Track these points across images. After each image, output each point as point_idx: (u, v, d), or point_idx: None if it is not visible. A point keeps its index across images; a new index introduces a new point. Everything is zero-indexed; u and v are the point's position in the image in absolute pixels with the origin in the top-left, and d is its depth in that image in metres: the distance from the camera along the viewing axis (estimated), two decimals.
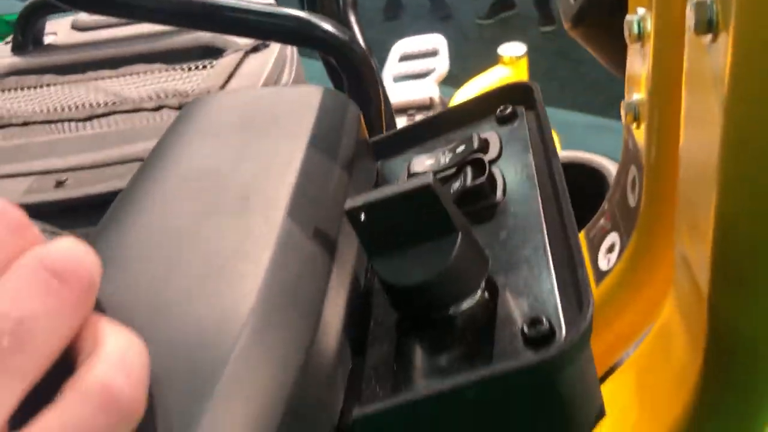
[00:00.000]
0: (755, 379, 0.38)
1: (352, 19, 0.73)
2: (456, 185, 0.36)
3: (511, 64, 1.42)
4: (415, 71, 1.50)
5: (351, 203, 0.29)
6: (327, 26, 0.61)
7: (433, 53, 1.54)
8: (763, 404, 0.38)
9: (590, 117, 2.96)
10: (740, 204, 0.34)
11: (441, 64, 1.51)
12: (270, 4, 0.68)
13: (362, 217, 0.29)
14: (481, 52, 3.55)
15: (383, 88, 0.71)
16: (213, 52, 1.08)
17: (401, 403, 0.25)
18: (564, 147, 1.23)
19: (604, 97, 2.98)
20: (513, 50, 1.42)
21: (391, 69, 1.52)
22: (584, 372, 0.26)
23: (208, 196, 0.31)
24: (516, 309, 0.28)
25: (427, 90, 1.40)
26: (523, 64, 1.43)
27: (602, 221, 0.61)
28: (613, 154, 0.93)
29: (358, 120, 0.38)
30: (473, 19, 4.16)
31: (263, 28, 0.62)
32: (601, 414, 0.27)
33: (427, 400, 0.25)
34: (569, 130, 2.76)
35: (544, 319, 0.26)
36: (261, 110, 0.37)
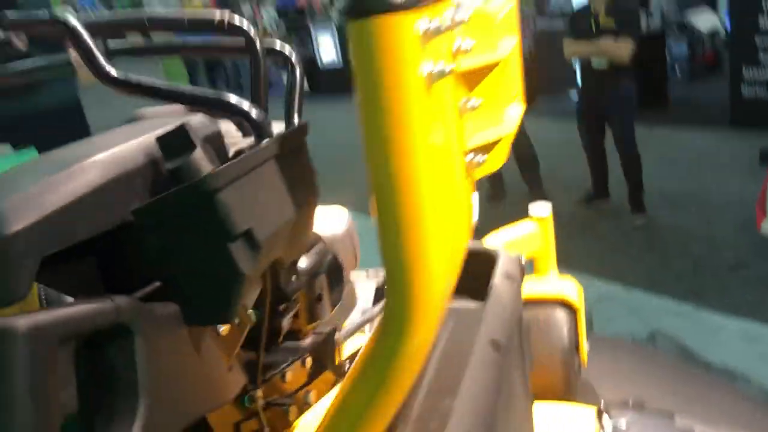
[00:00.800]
0: None
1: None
2: None
3: (538, 221, 1.66)
4: None
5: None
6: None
7: None
8: None
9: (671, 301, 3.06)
10: None
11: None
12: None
13: None
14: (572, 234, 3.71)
15: None
16: None
17: None
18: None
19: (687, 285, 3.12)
20: (540, 210, 1.66)
21: None
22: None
23: None
24: None
25: None
26: (548, 221, 1.65)
27: None
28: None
29: None
30: (570, 202, 4.40)
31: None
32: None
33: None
34: (655, 315, 2.89)
35: None
36: None
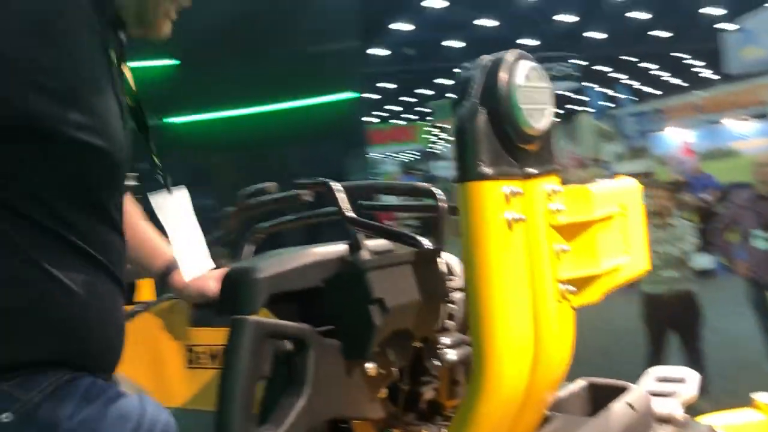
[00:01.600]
0: None
1: None
2: None
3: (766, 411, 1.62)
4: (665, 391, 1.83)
5: None
6: None
7: (681, 381, 1.86)
8: None
9: None
10: None
11: (688, 391, 1.81)
12: None
13: None
14: None
15: None
16: None
17: None
18: None
19: None
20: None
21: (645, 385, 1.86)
22: None
23: None
24: None
25: (672, 406, 1.69)
26: None
27: None
28: None
29: None
30: None
31: None
32: None
33: None
34: None
35: None
36: None
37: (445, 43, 20.32)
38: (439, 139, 25.28)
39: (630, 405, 1.13)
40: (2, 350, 0.84)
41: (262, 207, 1.37)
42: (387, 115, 29.46)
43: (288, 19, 6.05)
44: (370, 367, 0.93)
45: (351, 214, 1.12)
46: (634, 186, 1.14)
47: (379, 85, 24.34)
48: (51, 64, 0.81)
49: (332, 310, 0.90)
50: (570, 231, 0.97)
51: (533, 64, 0.91)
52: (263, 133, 5.95)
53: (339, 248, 0.94)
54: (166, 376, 1.26)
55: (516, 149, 0.90)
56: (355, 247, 0.92)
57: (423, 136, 24.90)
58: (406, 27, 18.19)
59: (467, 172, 0.85)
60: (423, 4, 16.85)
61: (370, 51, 19.95)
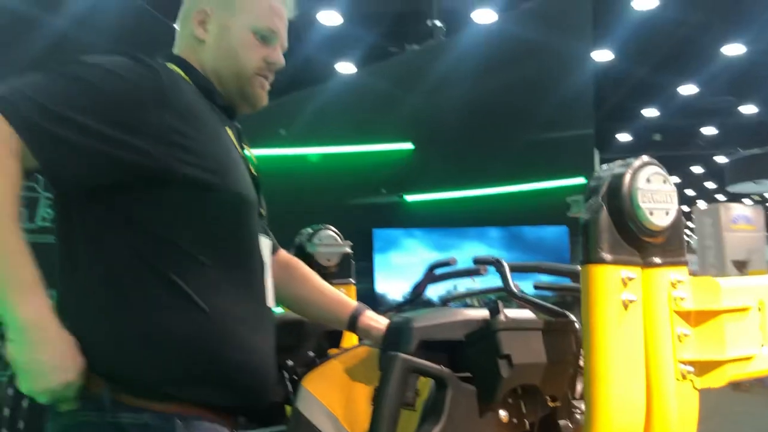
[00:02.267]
0: None
1: None
2: None
3: None
4: None
5: None
6: None
7: None
8: None
9: None
10: None
11: None
12: None
13: None
14: None
15: None
16: None
17: None
18: None
19: None
20: None
21: None
22: None
23: None
24: None
25: None
26: None
27: None
28: None
29: None
30: None
31: None
32: None
33: None
34: None
35: None
36: None
37: (701, 129, 19.32)
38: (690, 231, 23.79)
39: None
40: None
41: (448, 277, 1.62)
42: None
43: (523, 107, 6.34)
44: (502, 414, 1.10)
45: (514, 289, 1.33)
46: None
47: None
48: (190, 133, 1.07)
49: (470, 361, 1.10)
50: (695, 317, 1.08)
51: (657, 169, 1.06)
52: (489, 213, 6.22)
53: (482, 312, 1.15)
54: (355, 410, 1.53)
55: (638, 241, 1.05)
56: (494, 311, 1.12)
57: None
58: (654, 112, 17.63)
59: (589, 256, 1.03)
60: (677, 89, 16.30)
61: (618, 136, 19.61)
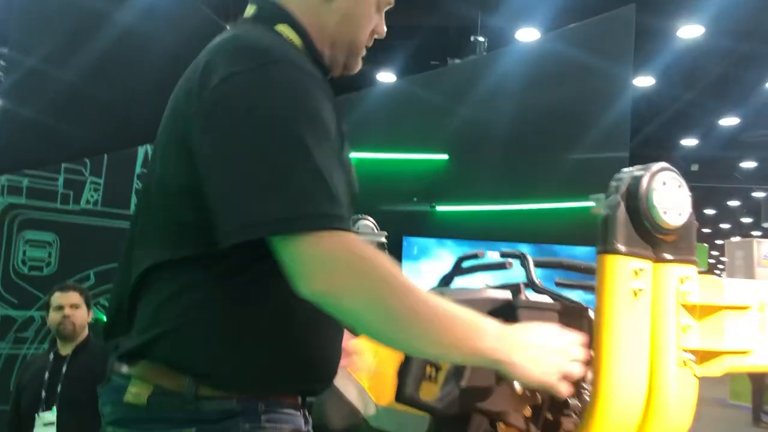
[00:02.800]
0: None
1: None
2: None
3: None
4: None
5: None
6: None
7: None
8: None
9: None
10: None
11: None
12: None
13: None
14: None
15: None
16: None
17: None
18: None
19: None
20: None
21: None
22: None
23: None
24: None
25: None
26: None
27: None
28: None
29: None
30: None
31: None
32: None
33: None
34: None
35: None
36: None
37: (740, 163, 19.14)
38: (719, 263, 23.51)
39: None
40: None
41: (476, 269, 1.74)
42: None
43: (560, 126, 6.41)
44: (517, 386, 1.22)
45: (536, 281, 1.45)
46: None
47: None
48: None
49: None
50: (699, 311, 1.19)
51: (674, 174, 1.18)
52: (519, 228, 6.29)
53: (505, 293, 1.27)
54: (380, 382, 1.65)
55: (652, 237, 1.16)
56: (515, 292, 1.24)
57: (703, 257, 23.36)
58: (693, 142, 17.51)
59: (605, 247, 1.15)
60: (718, 121, 16.18)
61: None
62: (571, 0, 9.10)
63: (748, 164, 18.90)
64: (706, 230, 27.24)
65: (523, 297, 1.23)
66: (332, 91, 1.10)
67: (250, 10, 1.17)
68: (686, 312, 1.18)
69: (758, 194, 19.70)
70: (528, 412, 1.27)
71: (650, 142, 17.12)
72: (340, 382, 1.62)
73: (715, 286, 1.20)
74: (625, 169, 1.21)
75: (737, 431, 9.76)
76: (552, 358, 1.04)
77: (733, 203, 22.89)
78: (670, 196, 1.16)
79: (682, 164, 19.09)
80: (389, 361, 1.59)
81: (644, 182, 1.15)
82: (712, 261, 24.41)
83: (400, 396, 1.17)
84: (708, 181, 20.33)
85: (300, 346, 1.07)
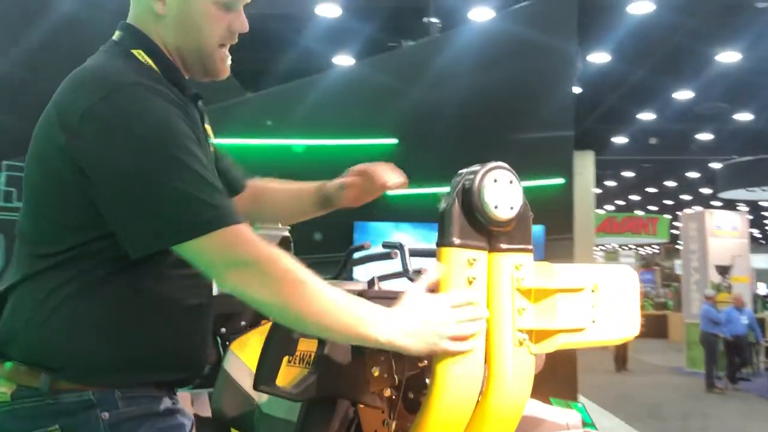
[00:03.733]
0: None
1: None
2: None
3: None
4: None
5: None
6: None
7: None
8: None
9: None
10: None
11: None
12: None
13: None
14: None
15: None
16: None
17: None
18: None
19: None
20: None
21: None
22: None
23: None
24: None
25: None
26: None
27: None
28: None
29: None
30: None
31: None
32: None
33: None
34: None
35: None
36: None
37: (696, 135, 19.51)
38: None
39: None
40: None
41: (365, 260, 1.85)
42: (623, 204, 28.60)
43: (508, 106, 6.51)
44: (374, 369, 1.33)
45: (410, 269, 1.56)
46: (620, 270, 1.43)
47: (622, 173, 23.88)
48: None
49: None
50: (534, 294, 1.31)
51: (505, 172, 1.29)
52: None
53: (362, 285, 1.38)
54: None
55: (487, 230, 1.28)
56: (371, 284, 1.35)
57: (664, 229, 23.82)
58: (650, 116, 17.81)
59: (442, 240, 1.26)
60: (673, 94, 16.46)
61: (614, 138, 19.80)
62: None
63: (704, 136, 19.29)
64: (668, 202, 27.78)
65: (375, 288, 1.34)
66: (189, 100, 1.22)
67: (115, 35, 1.26)
68: (522, 296, 1.30)
69: (714, 165, 20.14)
70: (388, 392, 1.38)
71: (608, 117, 17.40)
72: (235, 370, 1.73)
73: (548, 271, 1.32)
74: (463, 169, 1.32)
75: (693, 397, 10.11)
76: (433, 328, 1.19)
77: (692, 175, 23.36)
78: (501, 192, 1.27)
79: (641, 138, 19.43)
80: None
81: (477, 180, 1.26)
82: (675, 232, 24.91)
83: (256, 384, 1.27)
84: (667, 153, 20.74)
85: (150, 339, 1.17)
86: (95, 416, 1.10)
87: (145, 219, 1.07)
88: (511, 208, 1.28)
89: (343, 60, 12.50)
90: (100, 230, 1.11)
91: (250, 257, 1.09)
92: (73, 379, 1.11)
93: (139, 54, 1.19)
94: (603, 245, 26.57)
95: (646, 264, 28.73)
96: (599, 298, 1.37)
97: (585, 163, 19.81)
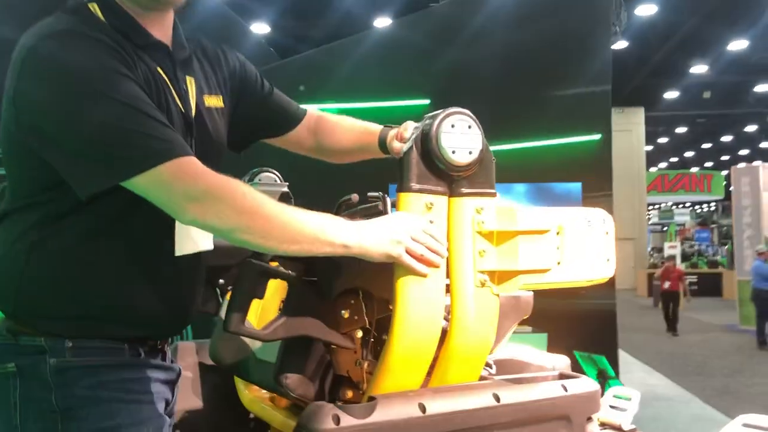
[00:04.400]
0: None
1: None
2: None
3: None
4: None
5: None
6: None
7: None
8: None
9: None
10: None
11: None
12: None
13: None
14: None
15: None
16: None
17: None
18: None
19: None
20: None
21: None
22: None
23: None
24: None
25: None
26: None
27: None
28: None
29: None
30: None
31: None
32: None
33: None
34: None
35: None
36: None
37: (753, 88, 18.77)
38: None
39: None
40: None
41: (353, 212, 1.90)
42: (677, 161, 27.81)
43: (545, 62, 6.40)
44: (343, 312, 1.39)
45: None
46: (591, 213, 1.45)
47: (675, 130, 23.19)
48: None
49: (314, 267, 1.39)
50: (497, 237, 1.34)
51: (463, 117, 1.31)
52: (512, 168, 6.37)
53: None
54: (265, 318, 1.84)
55: (447, 175, 1.31)
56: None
57: (719, 186, 23.13)
58: (703, 69, 17.20)
59: (401, 186, 1.30)
60: (728, 46, 15.84)
61: (665, 93, 19.22)
62: None
63: (762, 88, 18.55)
64: (724, 157, 26.91)
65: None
66: (144, 46, 1.25)
67: None
68: (483, 238, 1.33)
69: None
70: (360, 334, 1.44)
71: (658, 72, 16.87)
72: None
73: (510, 214, 1.35)
74: (427, 115, 1.35)
75: (743, 354, 9.93)
76: (390, 234, 1.24)
77: (750, 129, 22.55)
78: (459, 137, 1.30)
79: (694, 92, 18.81)
80: (275, 294, 1.77)
81: (434, 126, 1.29)
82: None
83: (225, 326, 1.34)
84: (721, 107, 20.04)
85: (99, 292, 1.23)
86: (44, 361, 1.17)
87: (89, 158, 1.11)
88: (470, 152, 1.31)
89: (384, 22, 12.44)
90: (47, 182, 1.18)
91: (205, 187, 1.13)
92: (25, 324, 1.20)
93: (92, 6, 1.24)
94: (656, 204, 25.98)
95: (702, 222, 27.97)
96: (565, 240, 1.40)
97: (635, 120, 19.37)
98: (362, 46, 6.58)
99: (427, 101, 6.26)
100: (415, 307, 1.28)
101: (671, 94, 19.23)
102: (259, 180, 2.13)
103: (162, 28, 1.31)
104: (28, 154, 1.17)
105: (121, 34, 1.23)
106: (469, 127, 1.32)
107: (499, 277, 1.35)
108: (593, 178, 6.53)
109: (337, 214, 1.88)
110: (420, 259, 1.26)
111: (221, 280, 1.95)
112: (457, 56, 6.18)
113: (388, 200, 1.65)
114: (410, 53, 6.33)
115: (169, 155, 1.12)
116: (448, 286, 1.34)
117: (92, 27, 1.19)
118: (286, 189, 2.12)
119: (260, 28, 12.24)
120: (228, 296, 1.84)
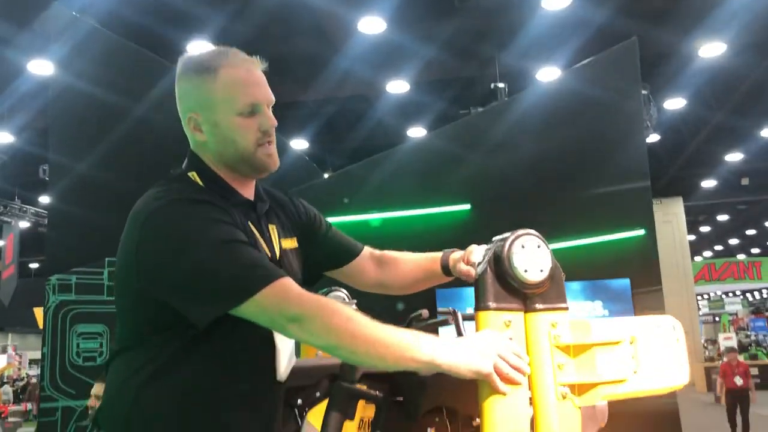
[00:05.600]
0: None
1: None
2: None
3: None
4: None
5: None
6: None
7: None
8: None
9: None
10: None
11: None
12: None
13: None
14: None
15: None
16: None
17: None
18: None
19: None
20: None
21: None
22: None
23: None
24: None
25: None
26: None
27: None
28: None
29: None
30: None
31: None
32: None
33: None
34: None
35: None
36: None
37: None
38: None
39: None
40: None
41: (427, 328, 1.98)
42: (722, 249, 27.33)
43: (580, 163, 6.52)
44: (429, 429, 1.44)
45: (463, 332, 1.67)
46: (660, 321, 1.50)
47: (717, 217, 22.98)
48: None
49: (399, 387, 1.45)
50: (573, 350, 1.39)
51: (532, 237, 1.40)
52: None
53: None
54: None
55: (520, 293, 1.38)
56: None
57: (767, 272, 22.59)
58: (738, 156, 17.22)
59: (479, 305, 1.38)
60: (761, 132, 15.91)
61: (702, 182, 19.19)
62: (583, 35, 9.36)
63: None
64: None
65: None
66: (237, 204, 1.45)
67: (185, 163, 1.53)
68: (561, 351, 1.39)
69: None
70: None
71: (694, 160, 16.93)
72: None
73: (584, 327, 1.41)
74: (496, 237, 1.44)
75: None
76: (478, 350, 1.30)
77: None
78: (529, 257, 1.38)
79: (732, 179, 18.73)
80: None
81: (505, 248, 1.38)
82: None
83: None
84: (762, 193, 19.85)
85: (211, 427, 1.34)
86: None
87: (203, 292, 1.27)
88: (541, 270, 1.39)
89: (417, 132, 12.85)
90: (160, 324, 1.33)
91: (301, 310, 1.26)
92: None
93: (192, 175, 1.45)
94: (703, 294, 25.37)
95: (755, 310, 27.13)
96: (639, 349, 1.44)
97: (673, 210, 19.26)
98: (401, 157, 6.80)
99: (467, 206, 6.40)
100: (503, 423, 1.33)
101: (708, 183, 19.18)
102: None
103: (248, 189, 1.52)
104: (145, 301, 1.30)
105: (218, 195, 1.42)
106: (538, 246, 1.41)
107: (579, 388, 1.39)
108: (641, 272, 6.50)
109: (408, 328, 1.97)
110: (506, 377, 1.31)
111: (299, 401, 2.01)
112: (495, 162, 6.35)
113: (459, 315, 1.72)
114: (448, 161, 6.52)
115: (271, 278, 1.27)
116: (529, 398, 1.39)
117: (195, 191, 1.40)
118: (354, 306, 2.21)
119: (299, 144, 12.75)
120: (309, 416, 1.90)
